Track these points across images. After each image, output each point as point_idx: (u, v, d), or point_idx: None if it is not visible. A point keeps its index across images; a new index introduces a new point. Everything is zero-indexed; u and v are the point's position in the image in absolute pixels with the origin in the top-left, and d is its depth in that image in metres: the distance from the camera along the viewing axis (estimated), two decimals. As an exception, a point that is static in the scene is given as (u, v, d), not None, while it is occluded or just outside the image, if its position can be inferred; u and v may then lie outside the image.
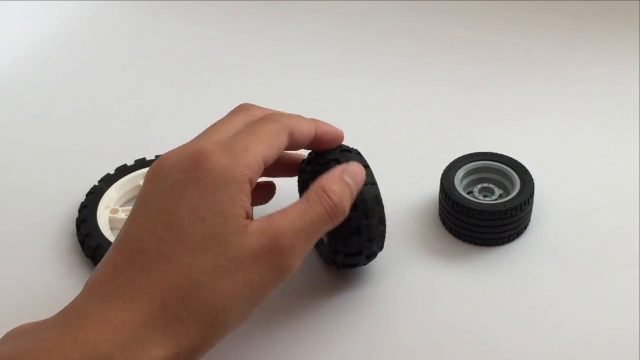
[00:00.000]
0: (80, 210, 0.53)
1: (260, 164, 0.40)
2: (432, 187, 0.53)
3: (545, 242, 0.51)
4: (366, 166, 0.45)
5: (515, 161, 0.52)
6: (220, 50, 0.72)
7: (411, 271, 0.49)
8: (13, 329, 0.37)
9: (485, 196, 0.51)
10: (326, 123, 0.46)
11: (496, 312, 0.46)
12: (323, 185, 0.41)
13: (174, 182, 0.38)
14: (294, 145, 0.44)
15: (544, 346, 0.44)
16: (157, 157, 0.56)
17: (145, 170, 0.55)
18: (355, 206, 0.43)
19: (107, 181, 0.54)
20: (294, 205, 0.40)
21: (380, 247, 0.47)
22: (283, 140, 0.42)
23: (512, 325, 0.46)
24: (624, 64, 0.66)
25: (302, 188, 0.48)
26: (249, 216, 0.38)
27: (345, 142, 0.54)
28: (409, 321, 0.46)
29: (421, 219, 0.52)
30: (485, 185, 0.52)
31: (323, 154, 0.46)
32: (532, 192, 0.50)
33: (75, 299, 0.37)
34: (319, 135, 0.45)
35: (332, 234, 0.45)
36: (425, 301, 0.47)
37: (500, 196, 0.51)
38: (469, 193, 0.51)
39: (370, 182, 0.44)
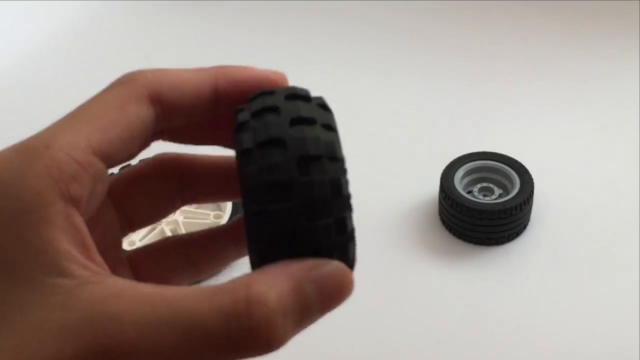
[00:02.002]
0: (82, 210, 0.53)
1: (84, 161, 0.23)
2: (432, 187, 0.53)
3: (545, 241, 0.51)
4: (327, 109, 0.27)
5: (515, 161, 0.52)
6: (220, 50, 0.72)
7: (411, 271, 0.49)
8: None
9: (485, 196, 0.51)
10: (235, 67, 0.27)
11: (496, 311, 0.47)
12: (252, 285, 0.22)
13: None
14: (173, 113, 0.26)
15: (543, 345, 0.45)
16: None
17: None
18: (290, 193, 0.24)
19: (109, 181, 0.54)
20: (184, 292, 0.22)
21: (347, 259, 0.26)
22: (138, 110, 0.25)
23: (512, 324, 0.46)
24: (624, 64, 0.66)
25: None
26: (92, 261, 0.23)
27: (345, 142, 0.53)
28: (409, 320, 0.46)
29: (421, 218, 0.52)
30: (485, 184, 0.52)
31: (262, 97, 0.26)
32: (532, 192, 0.50)
33: None
34: (228, 90, 0.26)
35: (252, 236, 0.24)
36: (425, 300, 0.48)
37: (500, 196, 0.51)
38: (468, 193, 0.51)
39: (328, 154, 0.25)
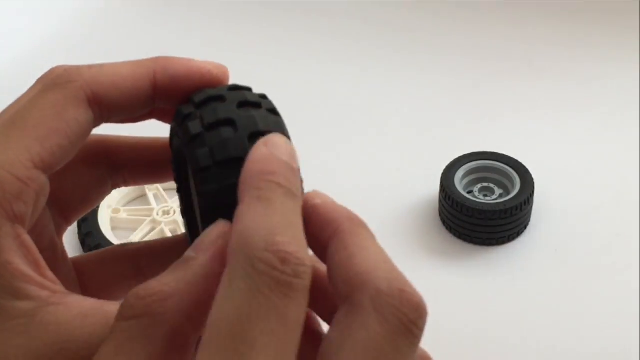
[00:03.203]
0: (81, 210, 0.53)
1: (24, 175, 0.22)
2: (432, 187, 0.53)
3: (546, 241, 0.51)
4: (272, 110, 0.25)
5: (516, 161, 0.52)
6: (221, 50, 0.72)
7: (411, 271, 0.49)
8: None
9: (485, 196, 0.51)
10: (173, 59, 0.26)
11: (496, 311, 0.47)
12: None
13: None
14: (114, 111, 0.25)
15: (544, 345, 0.44)
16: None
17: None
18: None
19: (109, 181, 0.54)
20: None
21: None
22: (76, 115, 0.24)
23: (512, 324, 0.46)
24: (624, 64, 0.66)
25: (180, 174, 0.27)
26: (49, 279, 0.22)
27: (345, 142, 0.54)
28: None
29: (421, 218, 0.52)
30: (485, 184, 0.52)
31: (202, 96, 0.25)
32: (532, 192, 0.50)
33: None
34: (166, 84, 0.25)
35: (208, 215, 0.23)
36: (425, 300, 0.47)
37: (501, 196, 0.51)
38: (469, 193, 0.51)
39: (277, 130, 0.23)
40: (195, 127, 0.23)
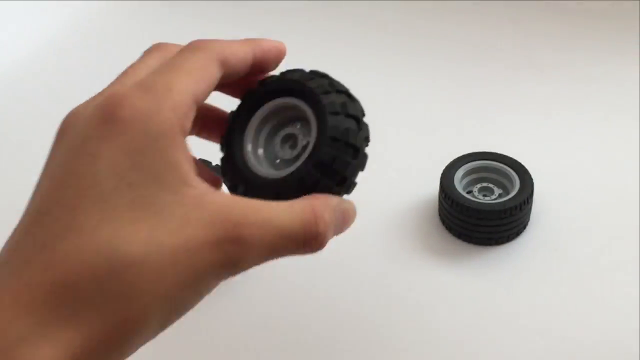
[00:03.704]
0: (82, 210, 0.53)
1: (190, 105, 0.31)
2: (432, 187, 0.53)
3: (545, 241, 0.51)
4: (352, 99, 0.36)
5: (515, 161, 0.52)
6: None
7: (411, 271, 0.49)
8: None
9: (484, 196, 0.51)
10: (263, 39, 0.36)
11: (496, 312, 0.47)
12: (315, 206, 0.32)
13: (84, 139, 0.30)
14: (230, 74, 0.34)
15: (543, 345, 0.45)
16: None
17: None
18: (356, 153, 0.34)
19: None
20: (272, 205, 0.31)
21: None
22: (214, 71, 0.33)
23: (512, 324, 0.46)
24: (623, 64, 0.66)
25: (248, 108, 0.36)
26: (197, 173, 0.30)
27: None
28: (409, 320, 0.46)
29: (421, 218, 0.52)
30: (484, 184, 0.52)
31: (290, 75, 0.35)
32: (532, 192, 0.50)
33: None
34: (260, 57, 0.35)
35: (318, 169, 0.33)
36: (425, 300, 0.48)
37: (500, 196, 0.51)
38: (468, 193, 0.51)
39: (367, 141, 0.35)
40: (333, 102, 0.35)
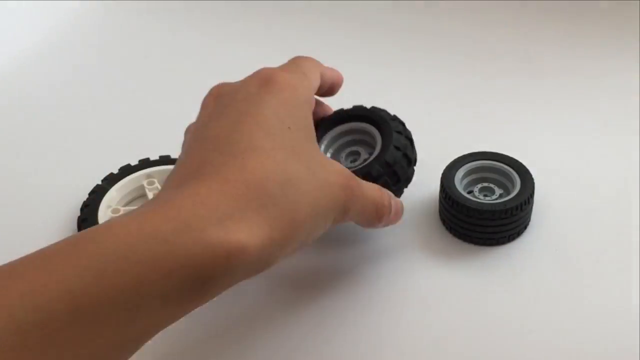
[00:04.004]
0: (82, 209, 0.53)
1: (314, 91, 0.42)
2: (432, 187, 0.53)
3: (546, 241, 0.51)
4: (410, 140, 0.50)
5: (516, 161, 0.52)
6: (221, 49, 0.72)
7: (411, 271, 0.49)
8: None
9: (485, 196, 0.51)
10: (335, 70, 0.47)
11: (496, 312, 0.47)
12: (381, 189, 0.44)
13: (247, 95, 0.38)
14: (320, 89, 0.45)
15: (544, 346, 0.45)
16: (161, 157, 0.56)
17: (148, 170, 0.55)
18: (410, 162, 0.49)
19: (110, 180, 0.54)
20: (365, 182, 0.42)
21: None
22: (318, 76, 0.44)
23: (512, 325, 0.46)
24: (624, 63, 0.66)
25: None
26: None
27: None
28: (409, 321, 0.46)
29: (421, 219, 0.52)
30: (485, 184, 0.52)
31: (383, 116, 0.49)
32: (532, 192, 0.50)
33: (161, 191, 0.36)
34: (335, 82, 0.47)
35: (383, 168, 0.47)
36: (425, 301, 0.48)
37: (501, 196, 0.51)
38: (469, 193, 0.51)
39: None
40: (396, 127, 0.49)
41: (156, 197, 0.35)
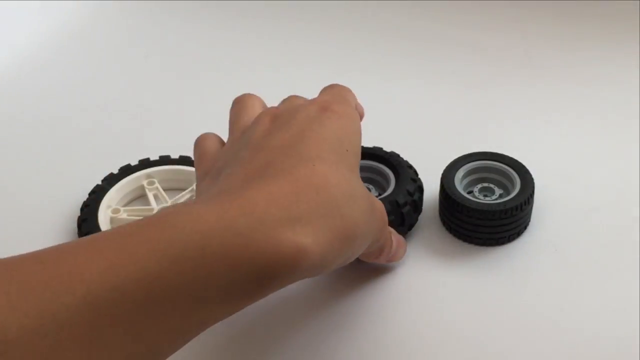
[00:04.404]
0: (82, 209, 0.53)
1: None
2: (432, 187, 0.53)
3: (546, 241, 0.51)
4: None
5: (516, 161, 0.52)
6: (221, 50, 0.72)
7: (411, 271, 0.49)
8: (165, 207, 0.36)
9: (485, 196, 0.51)
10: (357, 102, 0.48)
11: (496, 312, 0.47)
12: (395, 233, 0.47)
13: (308, 116, 0.40)
14: None
15: (544, 346, 0.45)
16: (161, 157, 0.56)
17: (149, 170, 0.55)
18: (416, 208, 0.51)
19: (110, 181, 0.54)
20: None
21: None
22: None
23: (513, 325, 0.46)
24: (623, 63, 0.66)
25: None
26: None
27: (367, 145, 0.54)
28: (409, 321, 0.46)
29: (421, 219, 0.52)
30: (485, 185, 0.52)
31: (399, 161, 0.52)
32: (532, 192, 0.50)
33: (221, 185, 0.36)
34: (360, 116, 0.47)
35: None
36: (425, 301, 0.48)
37: (501, 196, 0.51)
38: (469, 193, 0.51)
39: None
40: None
41: (223, 188, 0.36)
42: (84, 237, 0.31)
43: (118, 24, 0.75)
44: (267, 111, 0.42)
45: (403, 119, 0.62)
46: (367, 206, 0.38)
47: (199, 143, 0.45)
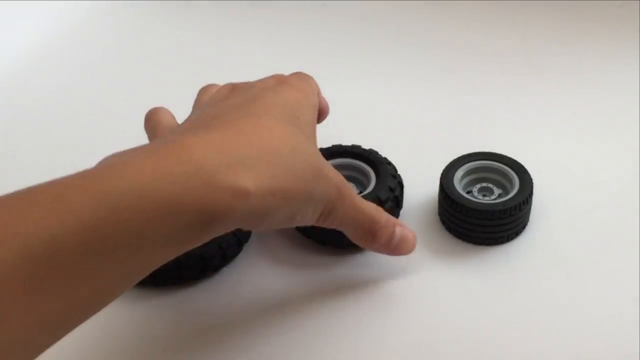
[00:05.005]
0: (82, 210, 0.53)
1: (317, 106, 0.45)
2: (432, 187, 0.53)
3: (544, 241, 0.51)
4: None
5: (514, 161, 0.52)
6: (221, 49, 0.72)
7: (411, 271, 0.49)
8: (106, 157, 0.36)
9: (484, 196, 0.52)
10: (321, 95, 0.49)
11: (496, 312, 0.47)
12: (379, 209, 0.45)
13: (264, 88, 0.42)
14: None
15: (543, 346, 0.45)
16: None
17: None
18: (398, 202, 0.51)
19: (109, 181, 0.54)
20: (366, 202, 0.44)
21: None
22: (317, 97, 0.46)
23: (512, 324, 0.46)
24: (623, 64, 0.66)
25: None
26: None
27: (346, 143, 0.54)
28: (409, 321, 0.47)
29: (421, 219, 0.52)
30: (484, 184, 0.52)
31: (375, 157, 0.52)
32: (531, 192, 0.50)
33: (171, 133, 0.38)
34: (322, 108, 0.48)
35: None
36: (425, 301, 0.48)
37: (500, 196, 0.51)
38: (468, 193, 0.51)
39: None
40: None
41: (166, 137, 0.37)
42: (23, 189, 0.31)
43: (118, 24, 0.75)
44: (227, 84, 0.45)
45: (403, 119, 0.62)
46: (313, 165, 0.38)
47: (152, 116, 0.47)
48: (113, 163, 0.33)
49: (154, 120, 0.46)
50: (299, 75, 0.46)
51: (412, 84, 0.66)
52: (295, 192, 0.37)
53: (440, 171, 0.52)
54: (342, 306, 0.47)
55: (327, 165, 0.40)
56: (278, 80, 0.43)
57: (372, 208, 0.44)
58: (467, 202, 0.49)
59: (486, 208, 0.49)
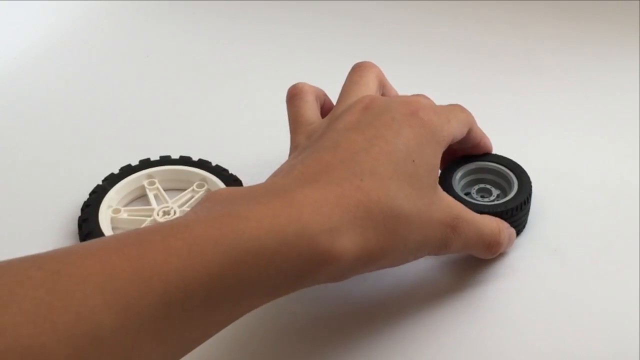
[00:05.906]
0: (82, 209, 0.53)
1: (450, 141, 0.45)
2: (430, 188, 0.53)
3: (544, 242, 0.51)
4: None
5: (513, 162, 0.52)
6: (221, 49, 0.72)
7: (410, 271, 0.49)
8: (211, 193, 0.38)
9: (483, 197, 0.52)
10: (482, 132, 0.51)
11: (495, 313, 0.47)
12: (500, 222, 0.47)
13: (392, 119, 0.42)
14: (465, 143, 0.49)
15: (543, 346, 0.45)
16: (161, 157, 0.56)
17: (149, 170, 0.55)
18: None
19: (111, 181, 0.55)
20: (475, 214, 0.45)
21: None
22: (464, 133, 0.47)
23: (512, 325, 0.46)
24: (623, 64, 0.66)
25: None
26: None
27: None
28: (408, 321, 0.47)
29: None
30: (482, 186, 0.52)
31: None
32: (530, 193, 0.50)
33: (275, 182, 0.39)
34: (480, 144, 0.51)
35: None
36: (423, 301, 0.48)
37: (498, 197, 0.51)
38: (466, 194, 0.51)
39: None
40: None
41: (279, 183, 0.39)
42: (154, 228, 0.34)
43: (118, 24, 0.75)
44: (364, 99, 0.44)
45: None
46: (413, 222, 0.40)
47: (295, 99, 0.49)
48: (237, 213, 0.35)
49: (297, 106, 0.48)
50: (444, 107, 0.46)
51: (411, 84, 0.66)
52: (381, 256, 0.39)
53: (439, 173, 0.52)
54: (340, 305, 0.47)
55: (437, 203, 0.42)
56: (410, 111, 0.43)
57: (491, 227, 0.46)
58: (466, 204, 0.49)
59: (485, 209, 0.49)
